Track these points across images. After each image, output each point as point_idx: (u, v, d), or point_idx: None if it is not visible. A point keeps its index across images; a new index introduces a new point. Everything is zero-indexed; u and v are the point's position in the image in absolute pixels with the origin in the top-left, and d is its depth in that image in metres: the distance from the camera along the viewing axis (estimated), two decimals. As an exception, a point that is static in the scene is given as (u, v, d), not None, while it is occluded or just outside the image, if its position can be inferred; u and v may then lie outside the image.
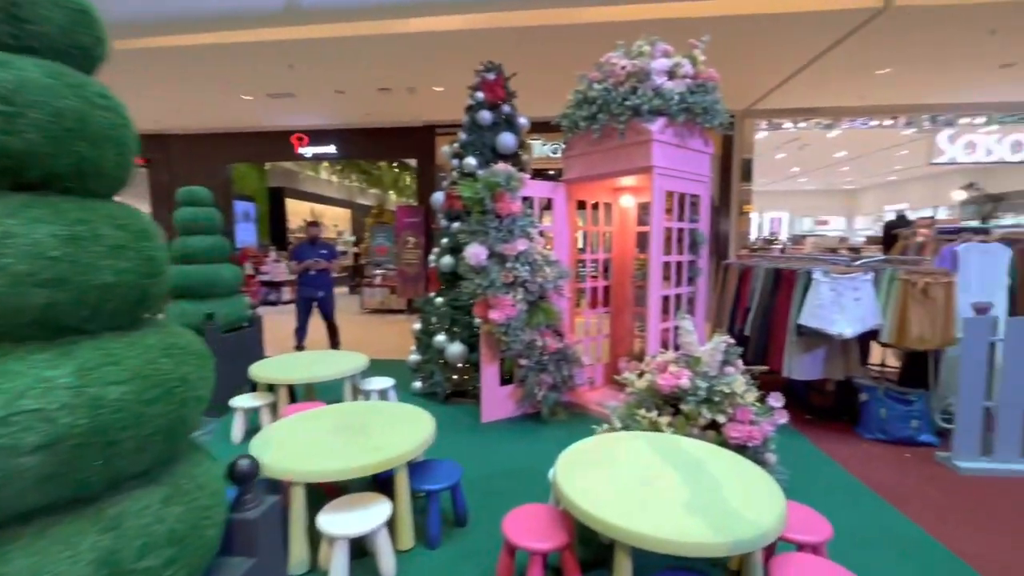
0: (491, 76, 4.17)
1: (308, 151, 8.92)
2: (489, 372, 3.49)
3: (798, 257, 4.20)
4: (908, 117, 8.12)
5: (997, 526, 2.29)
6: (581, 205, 4.05)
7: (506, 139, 4.00)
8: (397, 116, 8.19)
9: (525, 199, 3.48)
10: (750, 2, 4.53)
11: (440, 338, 3.93)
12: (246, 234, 10.50)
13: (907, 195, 17.13)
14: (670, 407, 2.84)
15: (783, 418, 2.49)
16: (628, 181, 3.97)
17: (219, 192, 9.09)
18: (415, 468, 2.18)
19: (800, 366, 3.34)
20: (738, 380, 2.65)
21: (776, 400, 2.51)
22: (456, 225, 4.10)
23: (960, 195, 6.56)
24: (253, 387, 3.46)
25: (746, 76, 6.17)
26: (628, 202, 4.19)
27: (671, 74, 3.20)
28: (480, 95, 4.12)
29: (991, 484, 2.67)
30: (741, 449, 2.56)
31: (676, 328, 3.58)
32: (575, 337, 3.64)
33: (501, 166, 3.17)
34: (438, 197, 4.27)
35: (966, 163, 7.97)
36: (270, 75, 6.15)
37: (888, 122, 8.23)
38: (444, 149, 4.40)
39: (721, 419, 2.52)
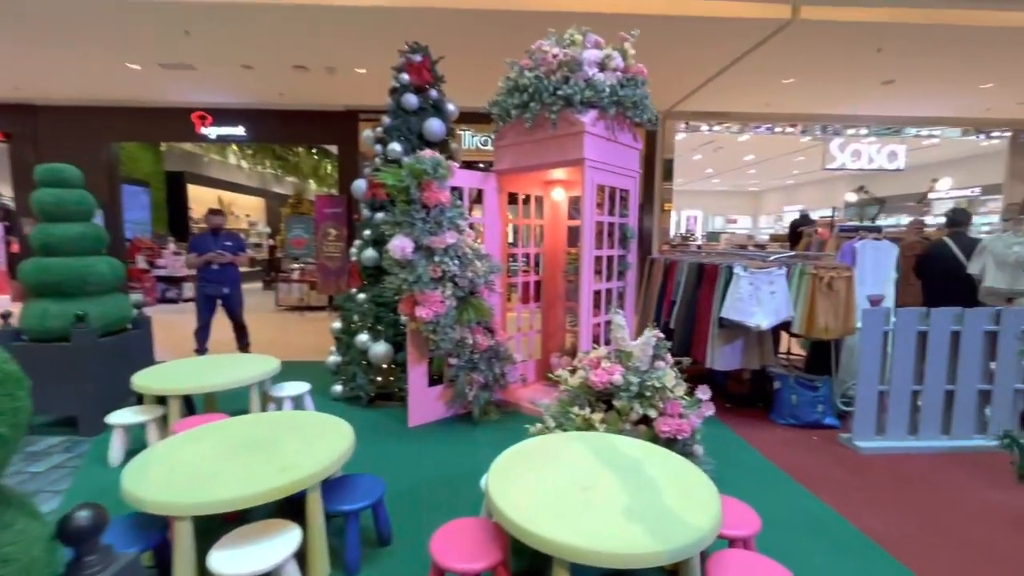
0: (417, 58, 3.92)
1: (212, 132, 8.05)
2: (416, 373, 3.28)
3: (719, 252, 4.38)
4: (805, 125, 8.88)
5: (895, 502, 2.49)
6: (512, 198, 3.93)
7: (434, 125, 3.78)
8: (315, 98, 7.60)
9: (454, 189, 3.30)
10: (675, 4, 4.65)
11: (363, 337, 3.65)
12: (138, 223, 9.32)
13: (803, 197, 18.94)
14: (603, 403, 2.82)
15: (710, 410, 2.53)
16: (559, 174, 3.91)
17: (102, 174, 7.97)
18: (330, 486, 1.95)
19: (722, 357, 3.47)
20: (668, 374, 2.67)
21: (703, 392, 2.55)
22: (380, 216, 3.82)
23: (851, 197, 7.28)
24: (139, 399, 2.99)
25: (670, 77, 6.38)
26: (559, 195, 4.14)
27: (602, 66, 3.16)
28: (405, 77, 3.86)
29: (886, 461, 2.92)
30: (671, 442, 2.59)
31: (608, 323, 3.59)
32: (507, 333, 3.52)
33: (428, 153, 2.96)
34: (360, 185, 3.96)
35: (852, 169, 8.87)
36: (162, 41, 5.41)
37: (789, 129, 8.95)
38: (366, 134, 4.09)
39: (652, 414, 2.52)
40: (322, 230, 8.15)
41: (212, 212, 4.82)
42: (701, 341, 3.61)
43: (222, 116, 7.99)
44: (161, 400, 2.89)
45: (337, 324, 4.01)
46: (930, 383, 3.01)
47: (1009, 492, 2.57)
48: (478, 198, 3.71)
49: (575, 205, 4.26)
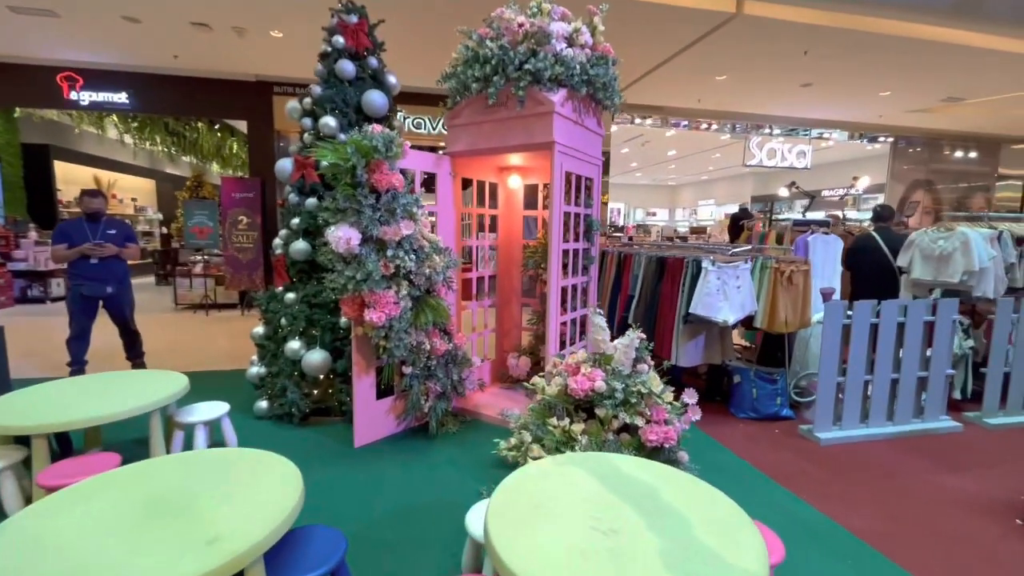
0: (352, 19, 3.39)
1: (84, 97, 6.74)
2: (363, 385, 2.84)
3: (675, 246, 4.30)
4: (728, 122, 9.32)
5: (867, 495, 2.51)
6: (465, 184, 3.55)
7: (375, 98, 3.29)
8: (219, 64, 6.60)
9: (403, 172, 2.86)
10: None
11: (294, 345, 3.11)
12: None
13: (716, 192, 20.25)
14: (582, 412, 2.58)
15: (696, 415, 2.39)
16: (515, 160, 3.60)
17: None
18: (274, 551, 1.50)
19: (686, 353, 3.39)
20: (653, 378, 2.49)
21: (690, 396, 2.40)
22: (312, 202, 3.27)
23: (783, 192, 7.75)
24: (-14, 438, 2.26)
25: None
26: (516, 183, 3.83)
27: (570, 41, 2.88)
28: (340, 40, 3.31)
29: (845, 451, 2.98)
30: (656, 450, 2.41)
31: (575, 322, 3.36)
32: (462, 335, 3.17)
33: (377, 128, 2.50)
34: (285, 165, 3.37)
35: (768, 166, 9.48)
36: (9, -24, 4.31)
37: (715, 127, 9.36)
38: (291, 105, 3.49)
39: (640, 422, 2.33)
40: (231, 218, 7.16)
41: (88, 193, 3.91)
42: (664, 337, 3.50)
43: (98, 79, 6.70)
44: (21, 439, 2.20)
45: (260, 329, 3.41)
46: (880, 372, 3.12)
47: (959, 476, 2.71)
48: (427, 183, 3.30)
49: (531, 194, 3.98)
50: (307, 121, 3.38)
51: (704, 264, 3.14)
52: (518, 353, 3.81)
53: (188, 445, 2.60)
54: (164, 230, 13.16)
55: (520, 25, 2.77)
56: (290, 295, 3.25)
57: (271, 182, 7.28)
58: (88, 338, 3.94)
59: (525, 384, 2.67)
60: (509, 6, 2.92)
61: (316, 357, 3.05)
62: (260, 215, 7.18)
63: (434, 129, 7.67)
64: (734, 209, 19.15)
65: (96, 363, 4.10)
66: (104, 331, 4.13)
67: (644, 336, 2.48)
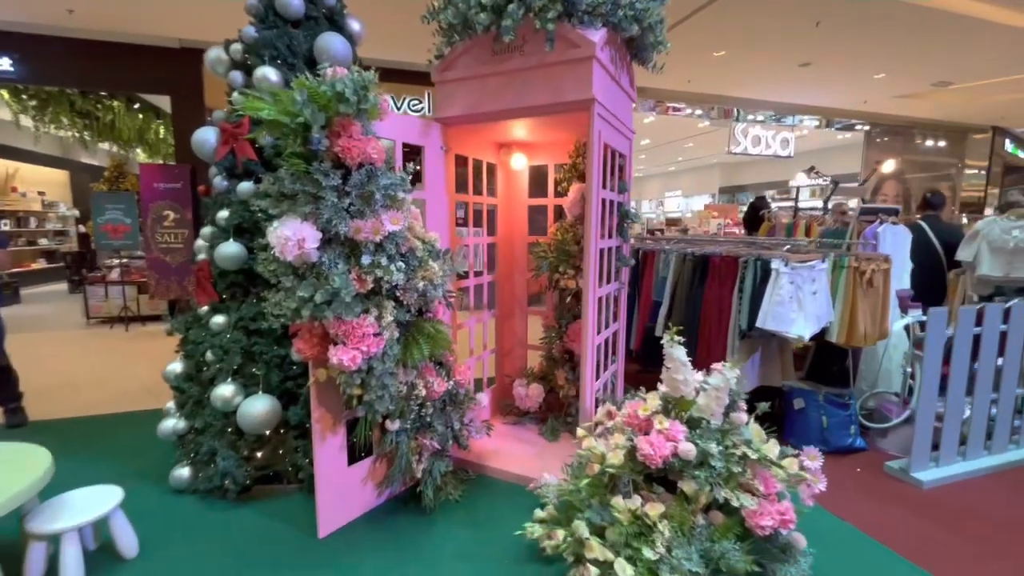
0: (299, -64, 2.46)
1: (-49, 63, 5.34)
2: (328, 449, 1.96)
3: (718, 240, 3.58)
4: (711, 106, 8.82)
5: (1008, 562, 1.89)
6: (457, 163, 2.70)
7: (333, 43, 2.39)
8: (132, 24, 5.38)
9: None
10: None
11: (225, 391, 2.19)
12: None
13: (681, 183, 20.10)
14: (656, 481, 1.83)
15: (821, 483, 1.69)
16: (520, 132, 2.77)
17: None
18: None
19: (747, 377, 2.70)
20: (756, 432, 1.76)
21: (813, 457, 1.69)
22: (246, 187, 2.34)
23: (802, 177, 7.28)
24: None
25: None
26: (519, 163, 3.01)
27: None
28: (280, -38, 2.38)
29: (951, 494, 2.38)
30: (767, 537, 1.70)
31: (608, 342, 2.60)
32: (465, 368, 2.33)
33: (342, 71, 1.62)
34: (206, 137, 2.41)
35: (753, 153, 9.07)
36: None
37: (699, 112, 8.84)
38: (214, 54, 2.54)
39: (748, 502, 1.59)
40: (154, 213, 5.95)
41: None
42: (710, 355, 2.80)
43: (-32, 39, 5.32)
44: None
45: (177, 366, 2.45)
46: (980, 393, 2.54)
47: (1108, 528, 2.15)
48: (411, 159, 2.43)
49: (538, 177, 3.18)
50: (237, 76, 2.44)
51: (775, 264, 2.44)
52: (526, 379, 3.02)
53: (53, 568, 1.67)
54: (81, 228, 11.47)
55: (543, -68, 1.95)
56: (218, 318, 2.31)
57: (203, 170, 6.09)
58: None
59: (510, 408, 1.87)
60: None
61: (258, 408, 2.15)
62: (191, 209, 6.01)
63: (430, 111, 6.73)
64: (703, 200, 19.09)
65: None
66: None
67: (738, 373, 1.75)
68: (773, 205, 5.30)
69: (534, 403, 2.96)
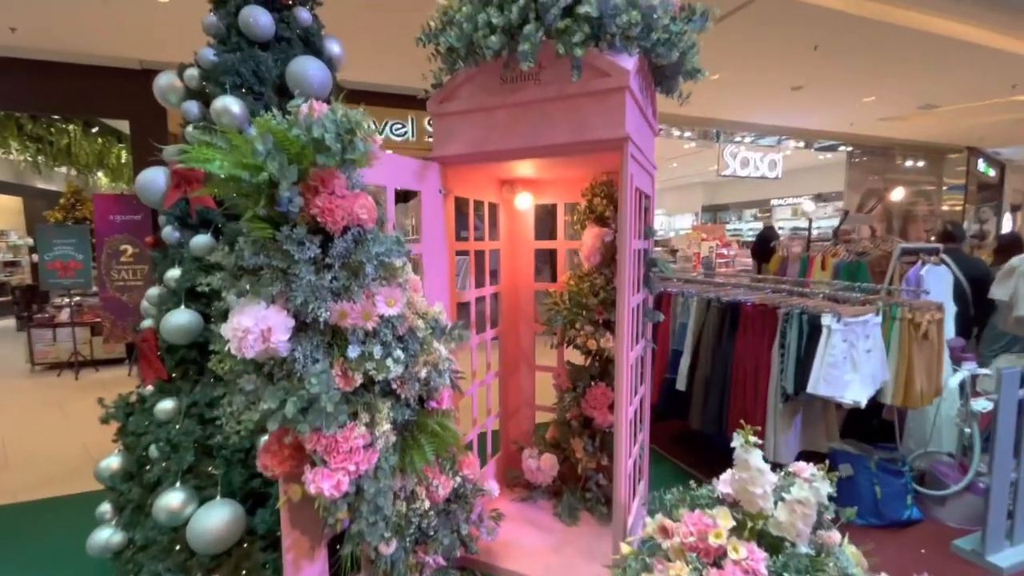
0: (268, -54, 2.11)
1: None
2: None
3: (746, 284, 3.25)
4: (700, 129, 8.72)
5: None
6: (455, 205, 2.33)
7: (309, 69, 2.01)
8: (88, 45, 4.92)
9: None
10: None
11: (171, 499, 1.73)
12: None
13: (664, 203, 20.16)
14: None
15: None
16: (525, 169, 2.42)
17: None
18: None
19: (786, 443, 2.37)
20: (852, 554, 1.41)
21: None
22: (202, 240, 1.92)
23: (809, 206, 7.12)
24: None
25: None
26: (525, 203, 2.66)
27: (635, -21, 1.78)
28: (246, -26, 2.01)
29: (1037, 586, 2.07)
30: None
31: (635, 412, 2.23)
32: (472, 459, 1.92)
33: (320, 107, 1.25)
34: (154, 180, 1.99)
35: (742, 175, 8.98)
36: None
37: (688, 134, 8.72)
38: (164, 81, 2.14)
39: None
40: (109, 247, 5.41)
41: None
42: (747, 418, 2.46)
43: None
44: None
45: (113, 461, 1.99)
46: (1053, 459, 2.25)
47: None
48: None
49: (545, 217, 2.84)
50: (192, 106, 2.05)
51: (826, 321, 2.13)
52: (537, 449, 2.62)
53: None
54: (34, 258, 10.67)
55: (564, -58, 1.63)
56: (165, 404, 1.87)
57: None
58: None
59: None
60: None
61: (215, 520, 1.70)
62: (152, 244, 5.47)
63: (413, 135, 6.35)
64: (686, 219, 19.17)
65: None
66: None
67: (822, 474, 1.40)
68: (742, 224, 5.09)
69: (547, 477, 2.56)
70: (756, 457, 1.38)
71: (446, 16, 1.82)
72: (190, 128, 2.02)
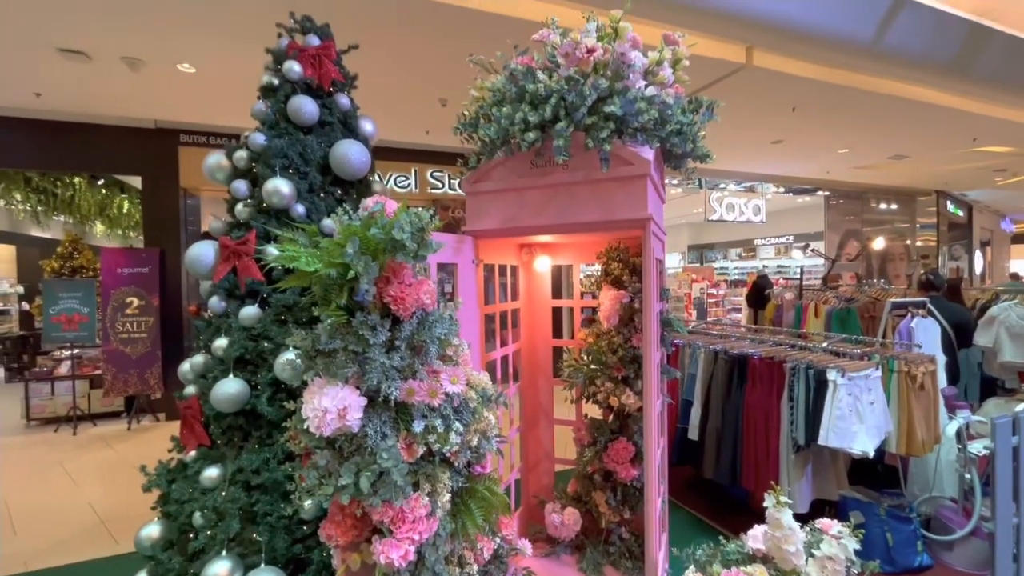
0: (313, 41, 2.34)
1: None
2: (357, 650, 1.57)
3: (750, 337, 3.39)
4: (684, 178, 9.15)
5: None
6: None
7: (352, 153, 2.21)
8: (104, 105, 5.12)
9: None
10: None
11: (218, 569, 1.77)
12: None
13: (651, 242, 20.63)
14: None
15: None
16: (543, 235, 2.61)
17: None
18: None
19: (800, 492, 2.48)
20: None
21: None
22: (251, 312, 2.03)
23: (798, 255, 7.45)
24: None
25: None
26: (543, 266, 2.83)
27: (648, 75, 2.03)
28: (295, 68, 2.22)
29: (1047, 630, 2.16)
30: None
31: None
32: (509, 521, 2.00)
33: (390, 204, 1.41)
34: (204, 253, 2.12)
35: (728, 220, 9.38)
36: None
37: (675, 181, 9.16)
38: (213, 161, 2.30)
39: None
40: (116, 299, 5.45)
41: None
42: (759, 469, 2.58)
43: (-83, 122, 4.92)
44: None
45: (154, 529, 2.01)
46: (1047, 503, 2.39)
47: None
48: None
49: (560, 277, 3.00)
50: (240, 186, 2.20)
51: (831, 376, 2.29)
52: (560, 503, 2.69)
53: None
54: (24, 306, 10.52)
55: (590, 51, 1.87)
56: (211, 471, 1.93)
57: (174, 252, 5.71)
58: None
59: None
60: (552, 28, 2.03)
61: (262, 590, 1.74)
62: (158, 295, 5.54)
63: (416, 187, 6.70)
64: (673, 259, 19.65)
65: None
66: None
67: (848, 530, 1.51)
68: (728, 263, 5.35)
69: (570, 532, 2.62)
70: (788, 516, 1.50)
71: (481, 109, 2.03)
72: (240, 207, 2.17)
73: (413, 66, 4.10)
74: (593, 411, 2.71)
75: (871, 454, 2.31)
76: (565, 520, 2.62)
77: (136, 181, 7.37)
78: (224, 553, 1.82)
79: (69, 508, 3.51)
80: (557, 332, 2.89)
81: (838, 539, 1.46)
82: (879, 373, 2.44)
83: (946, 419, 2.72)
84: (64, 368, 5.77)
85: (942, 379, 3.05)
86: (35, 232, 10.97)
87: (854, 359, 2.50)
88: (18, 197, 7.56)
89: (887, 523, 2.54)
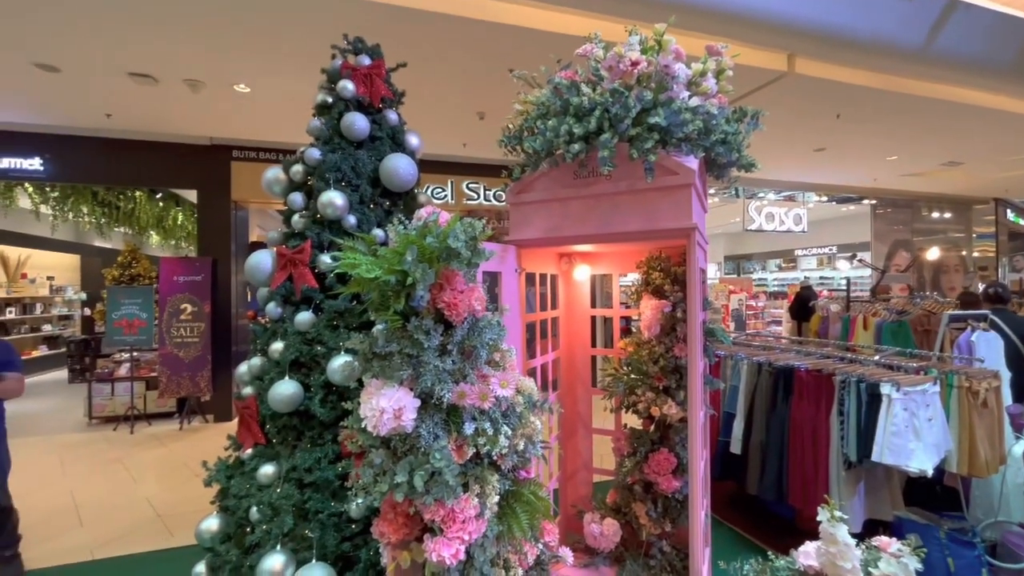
0: (365, 60, 2.46)
1: (-17, 164, 5.37)
2: (405, 648, 1.61)
3: (795, 349, 3.29)
4: (723, 189, 9.01)
5: None
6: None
7: (401, 166, 2.30)
8: (166, 124, 5.49)
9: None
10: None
11: (274, 562, 1.86)
12: None
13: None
14: None
15: None
16: (585, 246, 2.64)
17: None
18: None
19: (852, 512, 2.38)
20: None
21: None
22: (305, 317, 2.14)
23: (844, 265, 7.19)
24: None
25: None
26: (583, 275, 2.85)
27: (691, 86, 2.04)
28: (349, 87, 2.35)
29: None
30: None
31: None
32: (552, 527, 2.02)
33: (443, 215, 1.48)
34: (263, 262, 2.25)
35: (768, 230, 9.14)
36: None
37: (711, 191, 9.02)
38: (272, 175, 2.44)
39: None
40: (171, 305, 5.78)
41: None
42: (806, 486, 2.50)
43: (1, 142, 5.38)
44: None
45: (213, 523, 2.12)
46: None
47: None
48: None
49: (601, 285, 3.01)
50: (297, 198, 2.33)
51: (886, 390, 2.21)
52: (599, 513, 2.67)
53: None
54: (87, 312, 11.25)
55: (634, 64, 1.90)
56: (267, 469, 2.03)
57: (225, 261, 6.02)
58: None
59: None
60: (595, 42, 2.07)
61: (315, 584, 1.81)
62: (210, 302, 5.84)
63: (452, 198, 6.88)
64: (710, 270, 19.23)
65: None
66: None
67: (909, 549, 1.46)
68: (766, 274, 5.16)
69: (610, 543, 2.59)
70: (843, 532, 1.46)
71: (525, 122, 2.09)
72: (296, 217, 2.29)
73: (452, 80, 4.23)
74: (632, 421, 2.69)
75: (929, 473, 2.20)
76: (604, 531, 2.60)
77: (189, 194, 7.82)
78: (278, 548, 1.90)
79: (129, 503, 3.72)
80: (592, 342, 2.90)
81: (898, 557, 1.41)
82: (937, 388, 2.33)
83: (1012, 439, 2.56)
84: (123, 370, 6.13)
85: (1007, 396, 2.88)
86: (97, 243, 11.73)
87: (909, 373, 2.40)
88: (85, 210, 8.11)
89: (948, 547, 2.40)
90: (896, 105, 5.10)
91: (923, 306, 4.19)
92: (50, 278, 10.75)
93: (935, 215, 10.89)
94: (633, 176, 1.93)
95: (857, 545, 1.53)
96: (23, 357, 9.80)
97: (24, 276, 10.00)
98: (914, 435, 2.20)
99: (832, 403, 2.44)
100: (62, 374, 9.64)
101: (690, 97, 2.00)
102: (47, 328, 10.64)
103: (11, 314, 9.35)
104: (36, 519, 3.28)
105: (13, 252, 9.59)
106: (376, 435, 1.38)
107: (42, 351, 10.25)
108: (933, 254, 7.52)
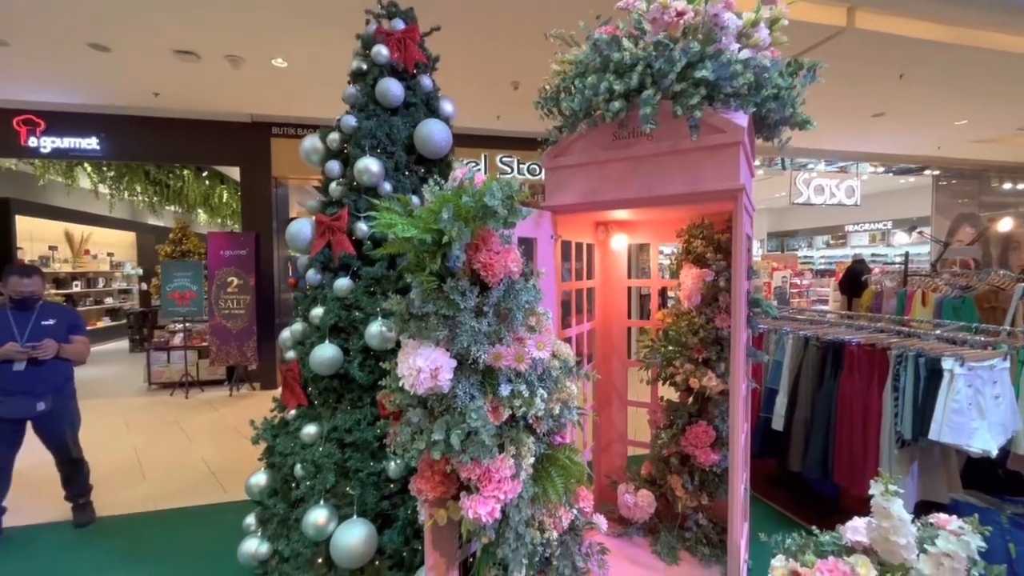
0: (399, 25, 2.42)
1: (47, 144, 5.69)
2: (442, 600, 1.66)
3: (846, 323, 3.11)
4: (767, 157, 8.55)
5: None
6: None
7: (436, 132, 2.27)
8: (209, 102, 5.64)
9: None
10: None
11: (318, 516, 1.94)
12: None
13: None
14: None
15: None
16: (621, 212, 2.56)
17: None
18: None
19: (906, 492, 2.26)
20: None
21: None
22: (344, 283, 2.17)
23: (905, 238, 6.74)
24: None
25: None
26: (620, 244, 2.78)
27: (742, 38, 1.90)
28: (383, 52, 2.32)
29: None
30: None
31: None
32: (586, 491, 2.01)
33: (478, 176, 1.44)
34: (302, 229, 2.29)
35: (816, 203, 8.66)
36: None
37: (756, 162, 8.59)
38: (309, 144, 2.46)
39: None
40: (219, 279, 6.04)
41: (19, 272, 2.79)
42: (854, 463, 2.40)
43: (62, 122, 5.68)
44: None
45: (261, 478, 2.23)
46: None
47: None
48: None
49: (639, 255, 2.93)
50: (334, 166, 2.34)
51: (948, 364, 2.07)
52: (634, 484, 2.65)
53: None
54: (143, 286, 11.93)
55: (680, 14, 1.78)
56: (310, 429, 2.10)
57: (267, 236, 6.22)
58: (9, 476, 2.75)
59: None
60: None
61: (356, 537, 1.88)
62: (254, 275, 6.07)
63: (485, 172, 6.77)
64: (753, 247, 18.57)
65: (20, 504, 2.88)
66: (33, 456, 2.93)
67: (971, 527, 1.37)
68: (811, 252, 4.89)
69: (644, 513, 2.58)
70: (898, 506, 1.38)
71: (563, 82, 2.01)
72: (333, 185, 2.32)
73: (486, 48, 4.14)
74: (668, 393, 2.64)
75: (993, 453, 2.06)
76: (639, 502, 2.59)
77: (233, 172, 8.07)
78: (321, 503, 1.98)
79: (186, 461, 3.97)
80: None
81: (958, 535, 1.32)
82: (1007, 364, 2.16)
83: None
84: (177, 340, 6.49)
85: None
86: (151, 221, 12.35)
87: (975, 348, 2.23)
88: (139, 189, 8.52)
89: (1010, 532, 2.26)
90: (968, 62, 4.66)
91: (990, 281, 3.88)
92: (110, 254, 11.42)
93: (1007, 186, 10.03)
94: (676, 135, 1.84)
95: (911, 523, 1.45)
96: (88, 327, 10.60)
97: (87, 252, 10.66)
98: (978, 413, 2.05)
99: (886, 379, 2.31)
100: (123, 344, 10.31)
101: (740, 50, 1.86)
102: (109, 301, 11.36)
103: (77, 287, 10.02)
104: (105, 472, 3.55)
105: (77, 230, 10.21)
106: (413, 394, 1.39)
107: (105, 322, 10.98)
108: (1005, 225, 6.88)
